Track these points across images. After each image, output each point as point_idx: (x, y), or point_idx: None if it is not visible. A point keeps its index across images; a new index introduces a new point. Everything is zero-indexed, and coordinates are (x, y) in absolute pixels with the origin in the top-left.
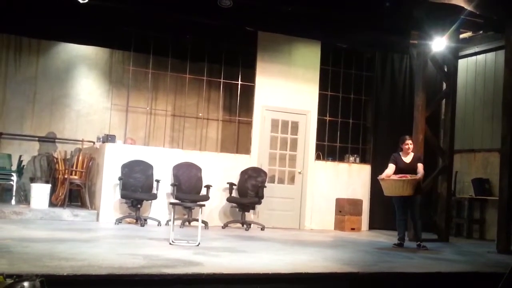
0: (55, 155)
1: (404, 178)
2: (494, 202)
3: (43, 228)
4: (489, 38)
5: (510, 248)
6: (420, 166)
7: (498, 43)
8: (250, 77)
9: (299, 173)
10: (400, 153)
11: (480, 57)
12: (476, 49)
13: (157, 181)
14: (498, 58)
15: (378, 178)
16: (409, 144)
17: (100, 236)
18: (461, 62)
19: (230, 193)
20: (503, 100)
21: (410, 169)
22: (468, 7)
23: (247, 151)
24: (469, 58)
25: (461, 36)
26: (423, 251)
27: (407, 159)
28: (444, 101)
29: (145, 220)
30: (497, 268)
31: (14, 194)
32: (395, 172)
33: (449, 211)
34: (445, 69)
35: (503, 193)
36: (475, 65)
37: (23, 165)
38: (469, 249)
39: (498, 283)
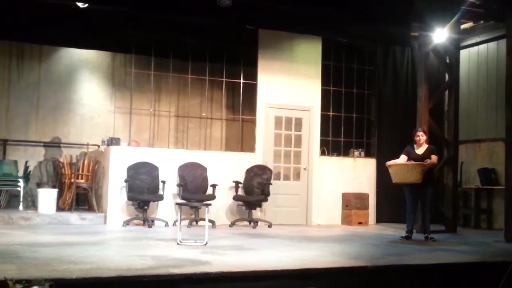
0: (61, 160)
1: (409, 163)
2: (501, 192)
3: (51, 233)
4: (490, 28)
5: None
6: (433, 157)
7: (499, 32)
8: (252, 75)
9: (304, 169)
10: (414, 145)
11: (482, 47)
12: (478, 39)
13: (163, 182)
14: (500, 47)
15: (386, 164)
16: (420, 135)
17: (108, 239)
18: (463, 53)
19: (236, 191)
20: (506, 89)
21: (421, 160)
22: None
23: (251, 149)
24: (471, 49)
25: (462, 26)
26: (431, 242)
27: (420, 150)
28: (447, 92)
29: (152, 221)
30: (505, 257)
31: (21, 200)
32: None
33: (456, 201)
34: (447, 60)
35: (509, 182)
36: (477, 55)
37: (30, 171)
38: (477, 239)
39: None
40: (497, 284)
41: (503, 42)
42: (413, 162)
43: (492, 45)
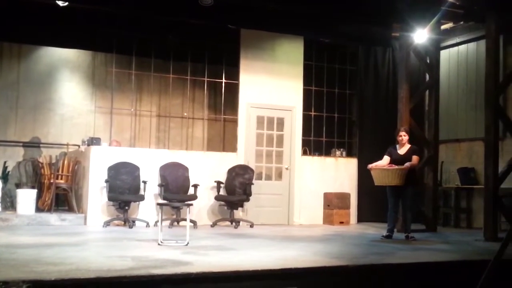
0: (40, 160)
1: (390, 168)
2: (480, 191)
3: (30, 234)
4: (470, 28)
5: (497, 235)
6: (414, 158)
7: (479, 33)
8: (234, 75)
9: (286, 169)
10: (397, 145)
11: (462, 47)
12: (458, 40)
13: (144, 182)
14: (480, 48)
15: (367, 167)
16: (402, 135)
17: (88, 240)
18: (443, 53)
19: (218, 191)
20: (485, 90)
21: (403, 161)
22: None
23: (233, 149)
24: (451, 49)
25: (442, 27)
26: (411, 241)
27: (402, 151)
28: (427, 92)
29: (133, 221)
30: (484, 255)
31: (0, 200)
32: (390, 164)
33: (436, 201)
34: (428, 61)
35: (488, 182)
36: (457, 55)
37: (8, 171)
38: (457, 238)
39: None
40: (477, 283)
41: (482, 43)
42: (393, 167)
43: (472, 45)
